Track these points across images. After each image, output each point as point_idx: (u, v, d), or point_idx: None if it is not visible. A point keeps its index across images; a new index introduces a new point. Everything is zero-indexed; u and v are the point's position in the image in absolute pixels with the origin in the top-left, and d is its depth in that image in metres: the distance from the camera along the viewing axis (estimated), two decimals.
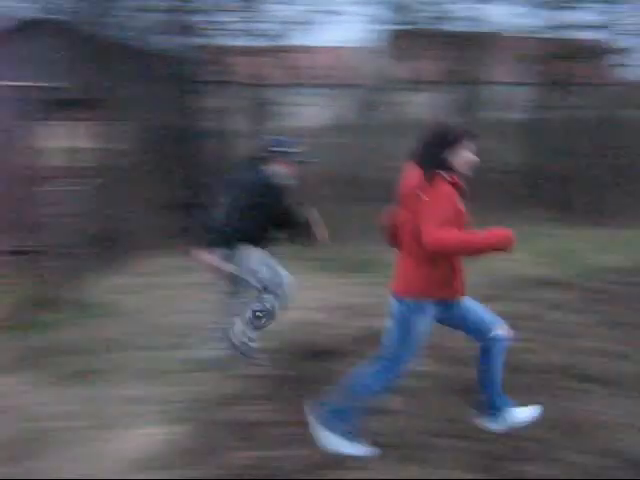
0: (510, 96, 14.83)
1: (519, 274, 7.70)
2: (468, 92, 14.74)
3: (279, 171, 4.72)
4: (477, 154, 3.46)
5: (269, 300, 4.85)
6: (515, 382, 4.41)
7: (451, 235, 3.19)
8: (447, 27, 14.40)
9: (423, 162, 3.39)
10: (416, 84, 14.38)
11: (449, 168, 3.38)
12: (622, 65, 16.37)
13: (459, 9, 14.39)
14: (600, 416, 4.04)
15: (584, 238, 10.18)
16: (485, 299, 4.99)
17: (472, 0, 14.52)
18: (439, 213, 3.23)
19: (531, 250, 8.86)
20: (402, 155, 3.86)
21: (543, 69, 14.49)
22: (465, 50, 14.43)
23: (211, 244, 4.75)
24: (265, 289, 4.83)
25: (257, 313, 4.84)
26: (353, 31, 21.99)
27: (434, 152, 3.38)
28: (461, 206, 3.38)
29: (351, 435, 3.62)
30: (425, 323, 3.50)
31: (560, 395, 4.35)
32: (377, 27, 14.36)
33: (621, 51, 15.99)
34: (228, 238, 4.70)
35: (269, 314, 4.87)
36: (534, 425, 3.85)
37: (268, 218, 4.70)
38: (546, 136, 13.52)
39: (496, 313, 3.74)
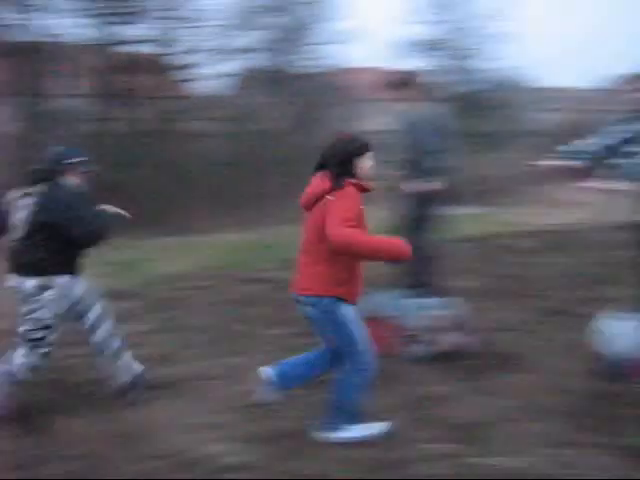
0: (74, 109, 14.52)
1: None
2: (30, 105, 14.09)
3: (73, 183, 4.36)
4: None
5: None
6: (77, 399, 4.37)
7: (355, 233, 3.44)
8: (3, 36, 13.64)
9: (333, 170, 3.66)
10: None
11: (355, 175, 3.70)
12: (186, 80, 17.14)
13: (15, 18, 13.69)
14: (161, 420, 4.10)
15: (152, 248, 10.31)
16: None
17: (29, 10, 13.92)
18: (344, 211, 3.50)
19: (97, 262, 8.67)
20: None
21: (105, 82, 14.46)
22: (24, 61, 13.78)
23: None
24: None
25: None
26: None
27: (344, 160, 3.69)
28: (362, 208, 3.67)
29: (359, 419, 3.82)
30: (350, 310, 3.72)
31: (116, 405, 4.31)
32: None
33: (184, 66, 16.74)
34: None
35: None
36: (91, 441, 3.78)
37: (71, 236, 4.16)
38: (110, 148, 13.49)
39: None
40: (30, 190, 4.22)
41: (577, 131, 19.26)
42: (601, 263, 7.65)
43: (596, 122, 19.88)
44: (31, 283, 4.12)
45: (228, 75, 17.55)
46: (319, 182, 3.73)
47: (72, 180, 4.36)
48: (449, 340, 5.03)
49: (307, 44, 17.98)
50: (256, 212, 13.34)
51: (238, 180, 14.68)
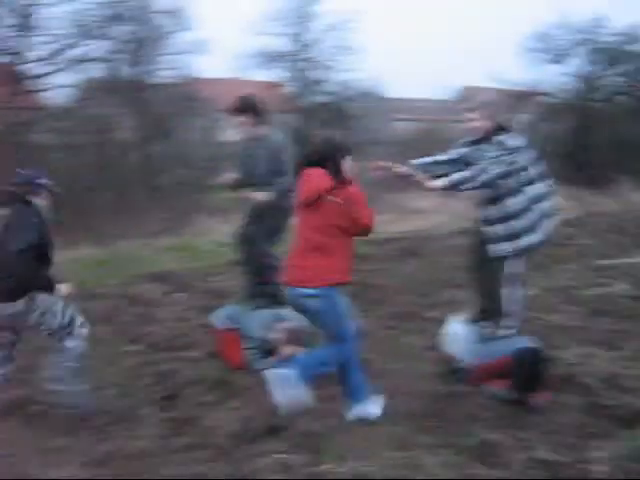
0: None
1: None
2: None
3: (44, 205, 4.50)
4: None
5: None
6: None
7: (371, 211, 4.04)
8: None
9: (332, 169, 4.04)
10: None
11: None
12: (35, 90, 16.49)
13: None
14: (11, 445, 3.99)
15: None
16: None
17: None
18: (364, 200, 4.01)
19: None
20: None
21: None
22: None
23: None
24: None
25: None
26: None
27: (338, 161, 4.08)
28: None
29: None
30: (343, 301, 4.11)
31: None
32: None
33: (34, 76, 16.10)
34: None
35: None
36: None
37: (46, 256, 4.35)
38: None
39: None
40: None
41: (426, 141, 20.03)
42: (452, 268, 7.90)
43: (444, 133, 20.72)
44: (21, 303, 4.24)
45: (77, 85, 17.04)
46: (320, 180, 4.01)
47: (40, 202, 4.46)
48: (288, 352, 5.01)
49: (161, 54, 17.70)
50: (112, 225, 12.99)
51: (93, 193, 14.27)
